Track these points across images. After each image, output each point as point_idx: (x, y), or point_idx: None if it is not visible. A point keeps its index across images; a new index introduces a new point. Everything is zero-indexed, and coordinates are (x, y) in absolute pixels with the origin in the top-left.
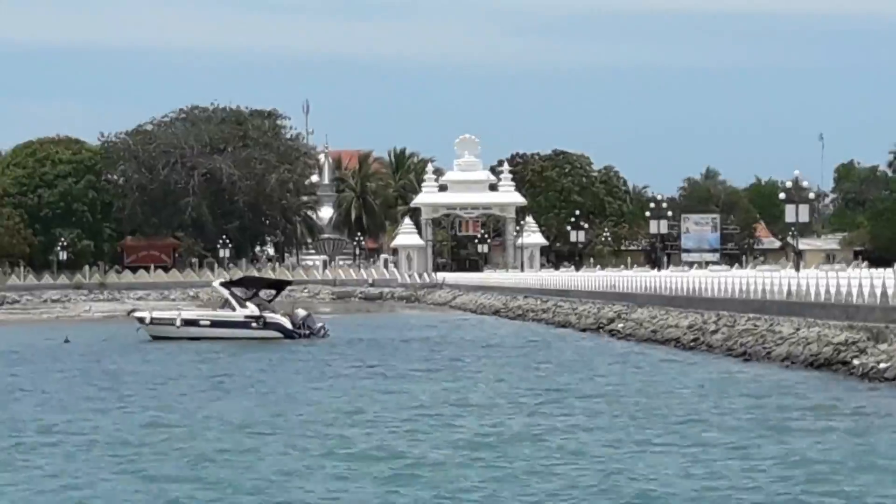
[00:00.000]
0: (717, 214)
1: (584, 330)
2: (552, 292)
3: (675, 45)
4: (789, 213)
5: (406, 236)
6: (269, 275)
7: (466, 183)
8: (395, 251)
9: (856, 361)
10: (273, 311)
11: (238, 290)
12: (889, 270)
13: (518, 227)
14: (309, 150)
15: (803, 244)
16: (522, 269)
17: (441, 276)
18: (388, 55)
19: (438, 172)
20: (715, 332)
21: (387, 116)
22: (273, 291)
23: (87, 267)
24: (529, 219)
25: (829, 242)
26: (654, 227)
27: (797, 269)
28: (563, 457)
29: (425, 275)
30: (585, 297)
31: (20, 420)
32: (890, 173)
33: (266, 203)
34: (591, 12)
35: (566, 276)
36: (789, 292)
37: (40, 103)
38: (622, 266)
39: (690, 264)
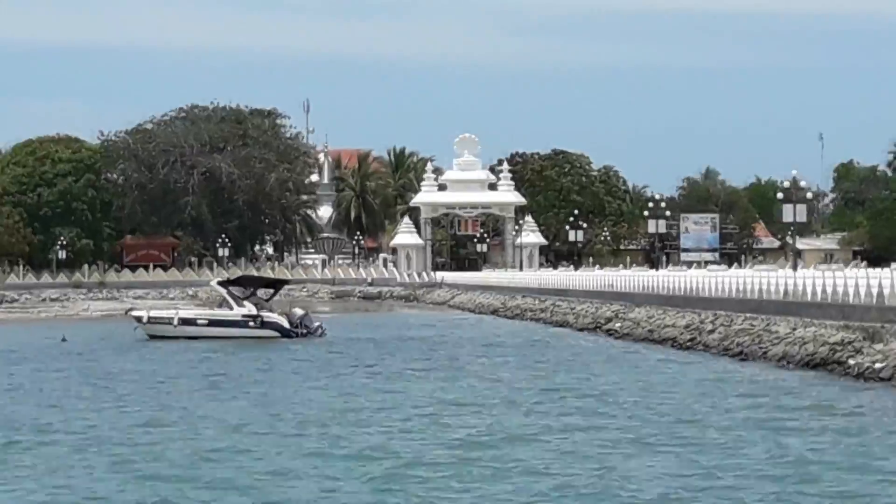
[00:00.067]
0: (717, 214)
1: (581, 329)
2: (550, 292)
3: (675, 45)
4: (787, 213)
5: (405, 235)
6: (269, 274)
7: (465, 182)
8: (394, 250)
9: (851, 361)
10: (270, 311)
11: (236, 290)
12: (886, 270)
13: (517, 227)
14: (308, 150)
15: (802, 244)
16: (521, 269)
17: (440, 275)
18: (387, 54)
19: (438, 172)
20: (712, 331)
21: (386, 116)
22: (271, 290)
23: (86, 266)
24: (528, 218)
25: (829, 242)
26: (652, 226)
27: (794, 268)
28: (558, 456)
29: (424, 274)
30: (583, 297)
31: (14, 419)
32: (889, 173)
33: (265, 202)
34: (591, 12)
35: (564, 276)
36: (786, 292)
37: (40, 102)
38: (621, 265)
39: (689, 264)
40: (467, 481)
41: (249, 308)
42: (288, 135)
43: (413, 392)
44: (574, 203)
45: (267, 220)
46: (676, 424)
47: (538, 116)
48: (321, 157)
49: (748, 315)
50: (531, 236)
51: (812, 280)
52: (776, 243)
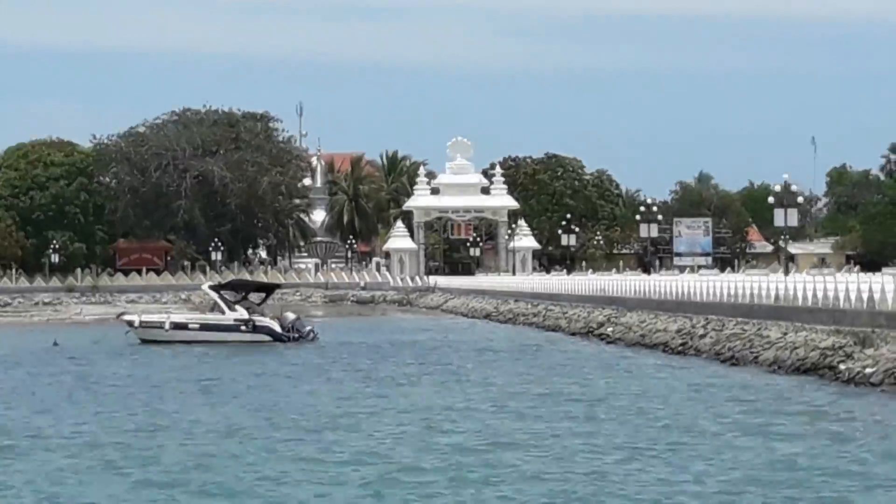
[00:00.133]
0: (710, 218)
1: (573, 334)
2: (543, 296)
3: (669, 50)
4: (778, 217)
5: (398, 239)
6: (262, 278)
7: (459, 186)
8: (387, 254)
9: (842, 366)
10: (262, 315)
11: (227, 294)
12: (877, 275)
13: (510, 231)
14: (301, 153)
15: (796, 248)
16: (514, 273)
17: (433, 279)
18: (380, 58)
19: (431, 175)
20: (703, 336)
21: (379, 119)
22: (262, 295)
23: (79, 270)
24: (522, 222)
25: (822, 246)
26: (644, 230)
27: (786, 273)
28: (549, 462)
29: (417, 278)
30: (576, 301)
31: (4, 424)
32: (882, 177)
33: (258, 206)
34: (584, 16)
35: (557, 280)
36: (777, 297)
37: (32, 105)
38: (614, 270)
39: (682, 268)
40: (459, 487)
41: (241, 312)
42: (280, 138)
43: (405, 397)
44: (567, 207)
45: (260, 224)
46: (667, 429)
47: (531, 120)
48: (314, 160)
49: (740, 320)
50: (524, 240)
51: (803, 285)
52: (769, 247)
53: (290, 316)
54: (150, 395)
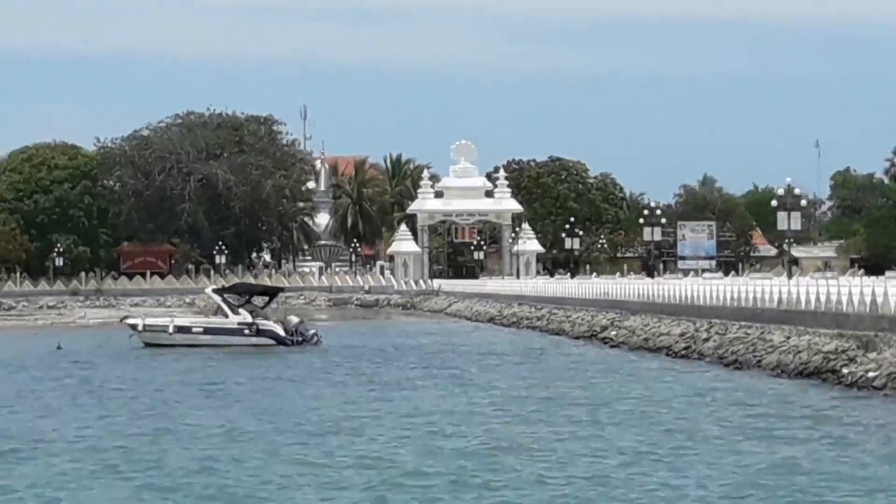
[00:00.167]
0: (714, 222)
1: (577, 338)
2: (546, 300)
3: (672, 53)
4: (781, 221)
5: (402, 243)
6: (266, 281)
7: (463, 189)
8: (391, 258)
9: (845, 370)
10: (266, 318)
11: (231, 297)
12: (880, 278)
13: (514, 234)
14: (305, 156)
15: (800, 252)
16: (518, 277)
17: (437, 283)
18: (384, 61)
19: (435, 179)
20: (707, 340)
21: (383, 122)
22: (266, 298)
23: (83, 273)
24: (526, 226)
25: (826, 250)
26: (647, 234)
27: (789, 276)
28: (552, 466)
29: (421, 282)
30: (579, 305)
31: (8, 428)
32: (886, 181)
33: (262, 209)
34: (588, 20)
35: (560, 284)
36: (780, 300)
37: (36, 109)
38: (618, 273)
39: (686, 272)
40: (461, 491)
41: (245, 316)
42: (284, 142)
43: (408, 401)
44: (571, 211)
45: (264, 228)
46: (669, 433)
47: (535, 124)
48: (318, 164)
49: (743, 323)
50: (528, 244)
51: (806, 288)
52: (773, 251)
53: (294, 319)
54: (153, 399)
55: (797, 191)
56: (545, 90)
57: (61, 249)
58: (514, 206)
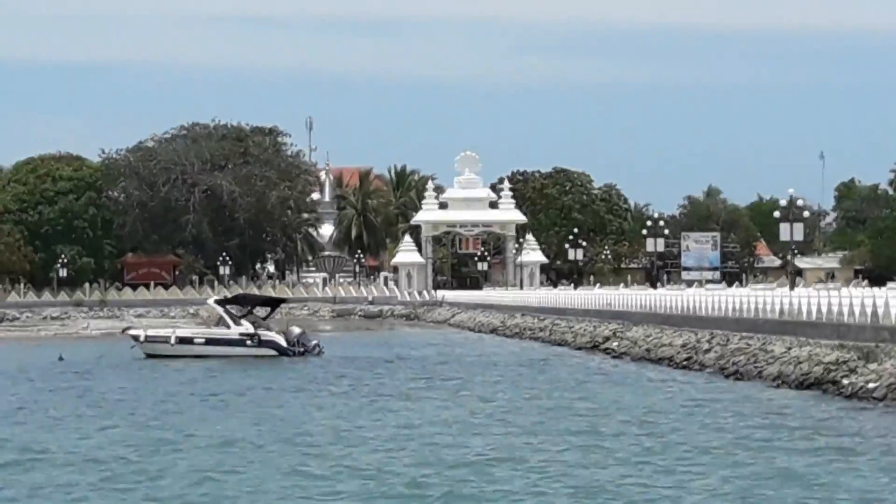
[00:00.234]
0: (718, 233)
1: (579, 348)
2: (549, 310)
3: (677, 64)
4: (784, 232)
5: (406, 254)
6: (270, 292)
7: (467, 200)
8: (395, 269)
9: (845, 381)
10: (268, 329)
11: (233, 308)
12: (881, 289)
13: (518, 245)
14: (310, 168)
15: (804, 263)
16: (522, 287)
17: (441, 293)
18: (389, 72)
19: (439, 190)
20: (708, 350)
21: (388, 133)
22: (268, 309)
23: (87, 284)
24: (530, 236)
25: (830, 261)
26: (650, 245)
27: (791, 287)
28: (549, 476)
29: (425, 292)
30: (582, 316)
31: (5, 439)
32: (891, 192)
33: (267, 220)
34: (592, 30)
35: (563, 295)
36: (782, 311)
37: (42, 120)
38: (622, 284)
39: (690, 283)
40: (458, 501)
41: (247, 327)
42: (289, 153)
43: (408, 412)
44: (575, 221)
45: (268, 239)
46: (669, 444)
47: (539, 134)
48: (322, 175)
49: (744, 334)
50: (532, 255)
51: (808, 299)
52: (778, 262)
53: (296, 330)
54: (153, 411)
55: (800, 202)
56: (549, 101)
57: (65, 260)
58: (518, 216)
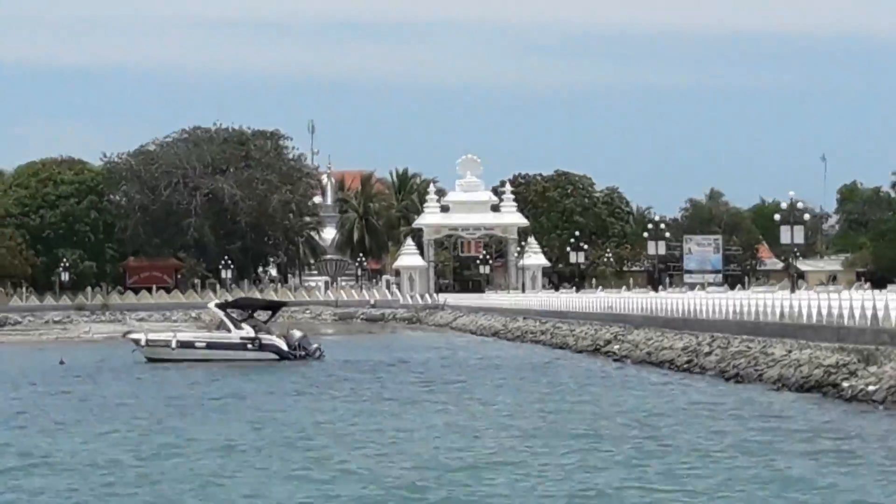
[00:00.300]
0: (720, 236)
1: (580, 352)
2: (551, 314)
3: (679, 66)
4: (785, 235)
5: (408, 257)
6: (272, 296)
7: (468, 204)
8: (397, 272)
9: (845, 384)
10: (269, 333)
11: (234, 312)
12: (882, 292)
13: (520, 248)
14: (311, 171)
15: (806, 266)
16: (524, 291)
17: (443, 297)
18: (390, 76)
19: (441, 193)
20: (709, 353)
21: (389, 137)
22: (269, 312)
23: (89, 288)
24: (531, 240)
25: (832, 264)
26: (652, 248)
27: (792, 290)
28: (547, 480)
29: (427, 296)
30: (583, 319)
31: (6, 444)
32: (893, 194)
33: (268, 224)
34: (594, 33)
35: (565, 298)
36: (782, 314)
37: (43, 124)
38: (624, 287)
39: (692, 286)
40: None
41: (248, 331)
42: (290, 156)
43: (408, 415)
44: (577, 225)
45: (270, 242)
46: (668, 448)
47: (541, 138)
48: (324, 178)
49: (745, 337)
50: (534, 258)
51: (808, 302)
52: (780, 265)
53: (297, 334)
54: (154, 415)
55: (800, 204)
56: (551, 104)
57: (67, 264)
58: (520, 220)
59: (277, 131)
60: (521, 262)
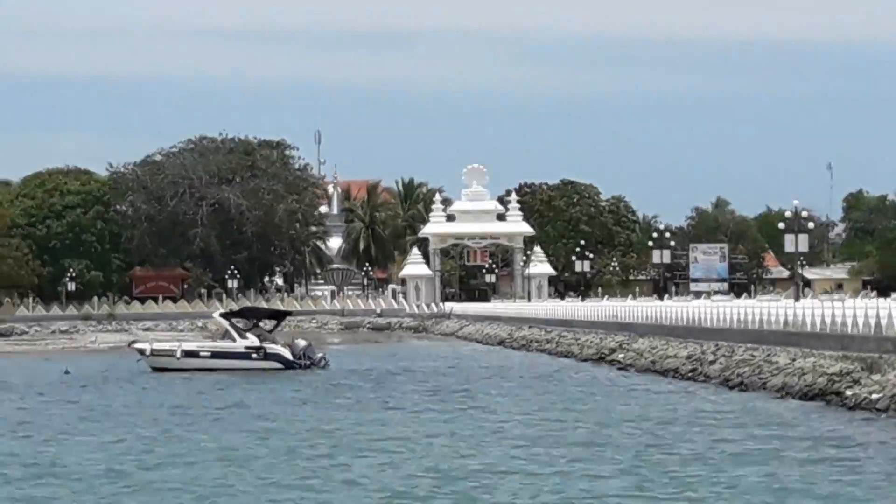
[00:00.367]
0: (726, 244)
1: (585, 360)
2: (556, 322)
3: (686, 74)
4: (789, 243)
5: (414, 266)
6: (278, 305)
7: (474, 213)
8: (403, 281)
9: (849, 392)
10: (274, 342)
11: (238, 321)
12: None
13: (526, 257)
14: (317, 181)
15: (812, 274)
16: (530, 299)
17: (449, 306)
18: (396, 85)
19: (447, 202)
20: (713, 362)
21: (395, 146)
22: (273, 322)
23: (95, 298)
24: (537, 248)
25: (838, 272)
26: (656, 256)
27: (797, 298)
28: (548, 488)
29: (433, 305)
30: (588, 328)
31: (11, 453)
32: None
33: (274, 233)
34: (599, 41)
35: (570, 307)
36: (786, 322)
37: (49, 135)
38: (630, 296)
39: (698, 294)
40: None
41: (252, 340)
42: (297, 166)
43: (411, 424)
44: (583, 233)
45: (276, 252)
46: (671, 456)
47: (547, 146)
48: (330, 188)
49: (749, 346)
50: (540, 267)
51: (812, 310)
52: (786, 273)
53: (301, 343)
54: (158, 424)
55: (805, 213)
56: (557, 113)
57: (74, 274)
58: (526, 228)
59: (283, 141)
60: (526, 271)
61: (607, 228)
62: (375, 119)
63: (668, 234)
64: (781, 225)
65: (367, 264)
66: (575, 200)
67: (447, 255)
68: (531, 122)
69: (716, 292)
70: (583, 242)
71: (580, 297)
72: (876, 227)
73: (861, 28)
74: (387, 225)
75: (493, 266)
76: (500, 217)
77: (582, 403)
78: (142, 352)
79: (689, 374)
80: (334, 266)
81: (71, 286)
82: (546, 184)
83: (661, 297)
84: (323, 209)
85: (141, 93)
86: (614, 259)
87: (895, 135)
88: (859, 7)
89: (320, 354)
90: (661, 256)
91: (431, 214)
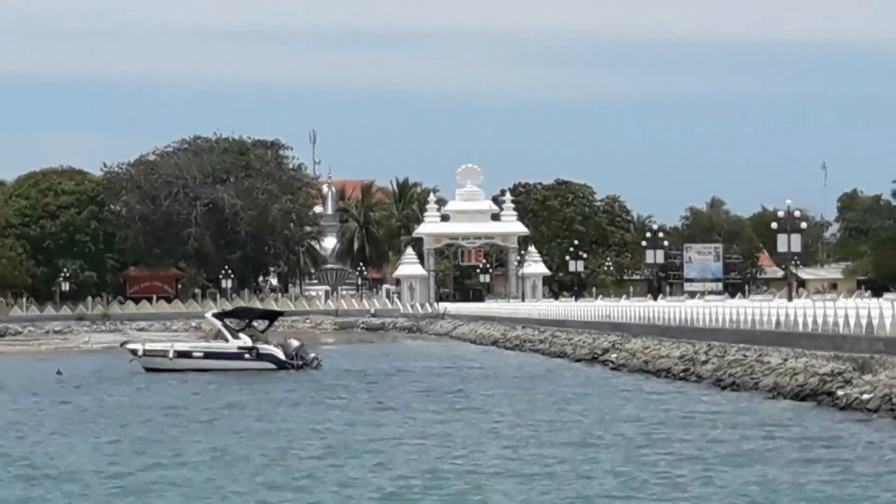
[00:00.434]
0: (720, 244)
1: (578, 360)
2: (550, 322)
3: (681, 75)
4: (782, 243)
5: (408, 266)
6: (273, 305)
7: (469, 213)
8: (397, 281)
9: (840, 392)
10: (266, 342)
11: (231, 321)
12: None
13: (520, 257)
14: (311, 181)
15: (807, 274)
16: (524, 299)
17: (443, 306)
18: (391, 85)
19: (441, 202)
20: (705, 362)
21: (390, 146)
22: (266, 322)
23: (89, 298)
24: (532, 248)
25: (833, 272)
26: (650, 256)
27: (790, 298)
28: (541, 488)
29: (427, 305)
30: (581, 328)
31: (2, 454)
32: (893, 202)
33: (269, 233)
34: (594, 42)
35: (563, 307)
36: (778, 322)
37: (43, 134)
38: (623, 296)
39: (693, 294)
40: None
41: (245, 340)
42: (291, 166)
43: (403, 425)
44: (577, 233)
45: (270, 252)
46: (662, 456)
47: (541, 146)
48: (325, 188)
49: (741, 346)
50: (534, 266)
51: (804, 310)
52: (780, 273)
53: (294, 343)
54: (149, 425)
55: (798, 213)
56: (552, 113)
57: (68, 274)
58: (520, 228)
59: (278, 141)
60: (521, 271)
61: (602, 228)
62: (370, 119)
63: (662, 234)
64: (774, 225)
65: (361, 264)
66: (569, 200)
67: (441, 255)
68: (526, 122)
69: (709, 292)
70: (577, 242)
71: (574, 297)
72: (870, 226)
73: (856, 28)
74: (381, 225)
75: (488, 266)
76: (495, 217)
77: (575, 404)
78: (134, 352)
79: (682, 374)
80: (328, 266)
81: (65, 286)
82: (540, 183)
83: (654, 297)
84: (317, 209)
85: (135, 92)
86: (609, 259)
87: (890, 135)
88: (855, 8)
89: (313, 355)
90: (655, 256)
91: (426, 214)
